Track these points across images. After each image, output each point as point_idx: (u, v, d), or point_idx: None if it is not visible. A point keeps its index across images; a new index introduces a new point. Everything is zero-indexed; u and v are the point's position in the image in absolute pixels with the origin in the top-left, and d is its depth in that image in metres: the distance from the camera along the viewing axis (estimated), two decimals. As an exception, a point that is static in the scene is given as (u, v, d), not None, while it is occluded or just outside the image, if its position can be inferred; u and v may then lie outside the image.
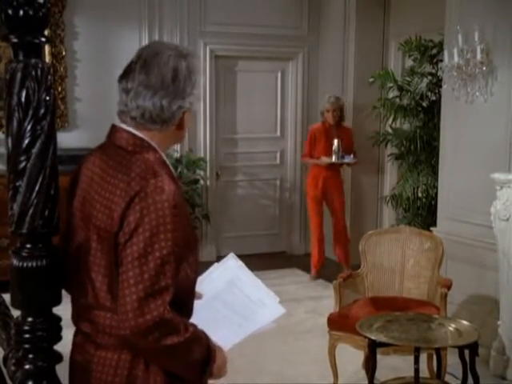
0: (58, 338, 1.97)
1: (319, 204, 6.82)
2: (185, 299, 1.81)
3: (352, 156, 6.55)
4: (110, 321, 1.76)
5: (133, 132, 1.80)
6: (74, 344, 1.91)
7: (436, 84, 5.89)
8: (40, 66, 1.85)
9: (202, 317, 1.90)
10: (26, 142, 1.85)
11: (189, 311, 1.86)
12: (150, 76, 1.76)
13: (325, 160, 6.57)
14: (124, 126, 1.81)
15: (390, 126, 6.36)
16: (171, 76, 1.77)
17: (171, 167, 1.85)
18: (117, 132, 1.82)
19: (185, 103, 1.79)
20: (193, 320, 1.86)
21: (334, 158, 6.50)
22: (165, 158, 1.83)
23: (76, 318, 1.90)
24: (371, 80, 6.38)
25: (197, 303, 1.97)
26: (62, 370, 1.97)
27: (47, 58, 6.44)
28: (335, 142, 6.43)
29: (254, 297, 2.03)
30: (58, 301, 1.95)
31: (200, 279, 2.06)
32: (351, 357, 4.30)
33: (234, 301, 2.01)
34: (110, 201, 1.72)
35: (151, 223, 1.66)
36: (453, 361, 3.84)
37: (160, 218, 1.66)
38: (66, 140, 6.20)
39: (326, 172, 6.65)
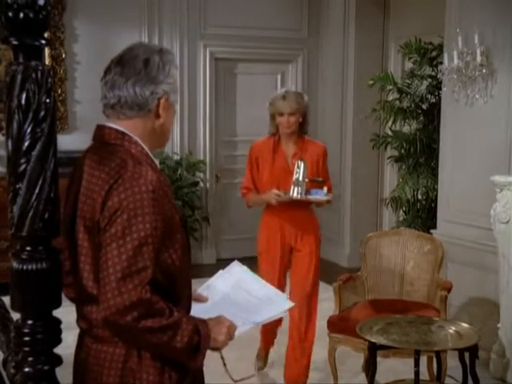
0: (58, 341, 1.97)
1: (281, 268, 4.22)
2: (173, 288, 1.83)
3: (325, 190, 4.02)
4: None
5: (114, 127, 1.87)
6: (77, 342, 1.96)
7: (436, 86, 5.89)
8: (40, 68, 1.85)
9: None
10: (26, 144, 1.85)
11: (180, 301, 1.86)
12: (124, 67, 1.87)
13: (275, 195, 4.00)
14: (107, 124, 1.89)
15: (390, 129, 6.35)
16: (143, 63, 1.86)
17: (155, 161, 1.90)
18: (100, 130, 1.90)
19: (157, 89, 1.86)
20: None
21: (294, 192, 3.95)
22: (147, 151, 1.88)
23: (77, 317, 1.94)
24: (371, 82, 6.37)
25: (202, 306, 2.01)
26: (63, 373, 1.97)
27: (47, 61, 6.45)
28: (300, 164, 3.95)
29: (260, 295, 2.05)
30: (57, 303, 1.95)
31: (206, 285, 2.12)
32: (351, 359, 4.30)
33: (239, 300, 2.03)
34: (93, 191, 1.80)
35: (129, 206, 1.72)
36: (453, 363, 3.83)
37: (137, 202, 1.72)
38: (66, 142, 6.19)
39: (290, 211, 4.08)
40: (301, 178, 3.92)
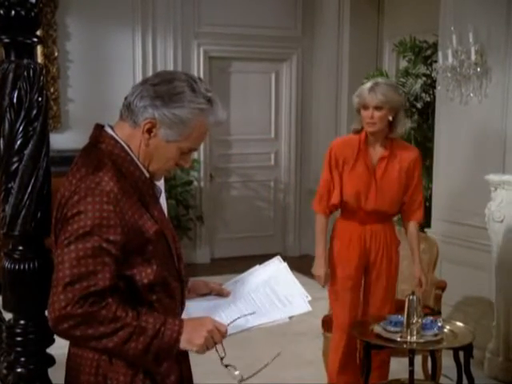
0: (51, 341, 1.96)
1: (357, 286, 3.76)
2: (145, 297, 1.77)
3: (440, 322, 3.36)
4: None
5: (106, 129, 1.81)
6: None
7: (430, 85, 5.88)
8: (32, 66, 1.84)
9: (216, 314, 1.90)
10: (19, 143, 1.84)
11: (164, 310, 1.80)
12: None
13: (319, 280, 3.69)
14: (104, 125, 1.83)
15: (384, 127, 6.34)
16: (168, 80, 1.78)
17: (143, 170, 1.81)
18: (94, 129, 1.84)
19: (150, 108, 1.76)
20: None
21: (408, 337, 3.23)
22: (133, 157, 1.79)
23: None
24: (365, 81, 6.35)
25: (215, 301, 1.98)
26: (56, 374, 1.96)
27: (39, 59, 6.42)
28: (412, 300, 3.27)
29: (282, 296, 1.96)
30: (50, 303, 1.93)
31: (234, 279, 2.06)
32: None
33: (259, 300, 1.96)
34: (61, 192, 1.76)
35: (80, 216, 1.67)
36: (447, 363, 3.83)
37: (89, 212, 1.67)
38: (59, 141, 6.17)
39: (370, 225, 3.68)
40: (415, 320, 3.25)
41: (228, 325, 1.83)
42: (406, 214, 3.77)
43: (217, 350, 1.80)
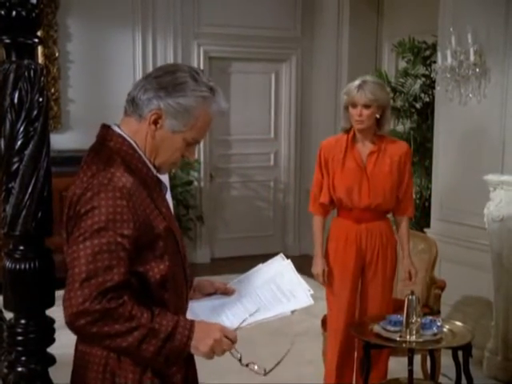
0: (51, 341, 1.97)
1: (355, 286, 3.75)
2: (157, 294, 1.78)
3: (440, 321, 3.37)
4: None
5: (113, 128, 1.82)
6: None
7: (429, 86, 5.89)
8: (33, 66, 1.85)
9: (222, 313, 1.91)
10: (19, 143, 1.85)
11: (172, 307, 1.81)
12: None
13: (317, 277, 3.72)
14: (111, 124, 1.84)
15: (384, 128, 6.34)
16: (171, 72, 1.80)
17: (151, 168, 1.83)
18: (101, 129, 1.85)
19: (155, 99, 1.78)
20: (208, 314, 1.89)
21: (408, 336, 3.24)
22: (141, 154, 1.81)
23: None
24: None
25: (221, 300, 1.98)
26: (57, 373, 1.96)
27: (40, 59, 6.43)
28: (412, 300, 3.25)
29: (286, 291, 1.97)
30: (51, 303, 1.95)
31: (239, 278, 2.07)
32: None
33: (264, 297, 1.97)
34: (72, 191, 1.76)
35: (94, 212, 1.67)
36: (446, 362, 3.83)
37: (102, 208, 1.68)
38: (59, 141, 6.18)
39: (366, 223, 3.67)
40: (414, 319, 3.23)
41: (236, 329, 1.83)
42: (398, 209, 3.77)
43: (232, 354, 1.82)
